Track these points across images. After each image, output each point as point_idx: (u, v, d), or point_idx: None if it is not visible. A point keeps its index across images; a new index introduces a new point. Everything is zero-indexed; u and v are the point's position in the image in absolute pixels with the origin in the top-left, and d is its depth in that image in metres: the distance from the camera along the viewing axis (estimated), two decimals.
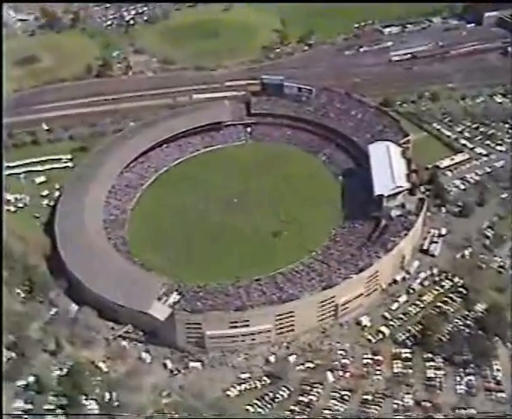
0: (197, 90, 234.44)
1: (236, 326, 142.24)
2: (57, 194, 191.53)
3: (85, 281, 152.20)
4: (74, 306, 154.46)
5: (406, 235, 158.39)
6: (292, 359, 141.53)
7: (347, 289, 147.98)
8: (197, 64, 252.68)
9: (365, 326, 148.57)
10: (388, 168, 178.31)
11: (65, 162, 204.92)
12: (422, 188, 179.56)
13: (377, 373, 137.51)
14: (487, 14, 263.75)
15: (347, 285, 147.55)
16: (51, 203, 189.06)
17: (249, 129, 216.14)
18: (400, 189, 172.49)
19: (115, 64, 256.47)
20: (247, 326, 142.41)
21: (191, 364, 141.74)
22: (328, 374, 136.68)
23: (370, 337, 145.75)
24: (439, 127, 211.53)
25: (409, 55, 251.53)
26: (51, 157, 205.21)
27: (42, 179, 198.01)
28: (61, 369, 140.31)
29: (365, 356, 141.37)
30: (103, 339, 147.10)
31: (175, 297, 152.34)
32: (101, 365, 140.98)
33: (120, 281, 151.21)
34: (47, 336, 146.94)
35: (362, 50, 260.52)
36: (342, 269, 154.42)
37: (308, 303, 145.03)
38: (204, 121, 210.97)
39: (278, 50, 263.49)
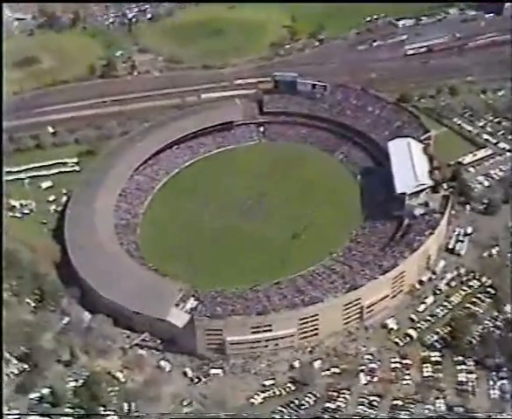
0: (205, 89, 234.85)
1: (258, 331, 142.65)
2: (64, 199, 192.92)
3: (98, 288, 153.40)
4: (87, 315, 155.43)
5: (432, 234, 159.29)
6: (317, 364, 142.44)
7: (372, 290, 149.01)
8: (205, 62, 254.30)
9: (392, 328, 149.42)
10: (410, 165, 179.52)
11: (72, 166, 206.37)
12: (445, 186, 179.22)
13: (406, 377, 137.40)
14: (507, 4, 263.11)
15: (372, 287, 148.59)
16: (59, 209, 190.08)
17: (262, 128, 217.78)
18: (423, 187, 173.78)
19: (119, 64, 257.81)
20: (270, 330, 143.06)
21: (212, 371, 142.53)
22: (357, 378, 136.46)
23: (397, 340, 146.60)
24: (459, 122, 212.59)
25: (425, 48, 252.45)
26: (56, 161, 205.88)
27: (48, 184, 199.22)
28: (76, 380, 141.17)
29: (393, 360, 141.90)
30: (119, 348, 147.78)
31: (192, 303, 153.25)
32: (118, 375, 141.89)
33: (135, 288, 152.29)
34: (61, 346, 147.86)
35: (375, 44, 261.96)
36: (367, 270, 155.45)
37: (333, 305, 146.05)
38: (215, 121, 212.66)
39: (288, 46, 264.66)
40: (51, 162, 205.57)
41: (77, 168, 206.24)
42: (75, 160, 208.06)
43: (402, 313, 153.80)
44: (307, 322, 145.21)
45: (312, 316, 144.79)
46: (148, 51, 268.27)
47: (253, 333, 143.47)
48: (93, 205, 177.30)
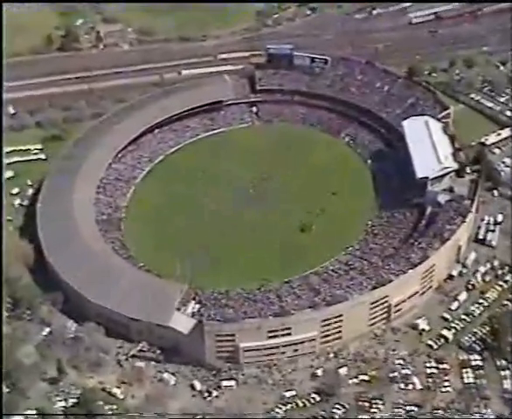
0: (186, 65, 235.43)
1: (276, 336, 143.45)
2: (30, 191, 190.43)
3: (86, 293, 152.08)
4: (72, 324, 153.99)
5: (464, 222, 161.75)
6: (343, 371, 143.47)
7: (401, 287, 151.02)
8: (182, 34, 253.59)
9: (423, 329, 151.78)
10: (430, 146, 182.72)
11: (36, 154, 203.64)
12: (468, 169, 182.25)
13: (445, 384, 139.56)
14: None
15: (401, 283, 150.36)
16: (25, 203, 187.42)
17: (255, 109, 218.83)
18: (447, 171, 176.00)
19: (82, 35, 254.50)
20: (289, 334, 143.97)
21: (224, 383, 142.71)
22: (390, 386, 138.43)
23: (430, 342, 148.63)
24: (478, 97, 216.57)
25: (432, 16, 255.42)
26: (17, 148, 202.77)
27: (9, 174, 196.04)
28: (66, 400, 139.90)
29: (428, 365, 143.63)
30: (114, 360, 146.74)
31: (193, 306, 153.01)
32: (116, 391, 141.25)
33: (128, 291, 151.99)
34: (44, 361, 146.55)
35: (375, 12, 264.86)
36: (392, 264, 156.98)
37: (359, 305, 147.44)
38: (201, 101, 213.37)
39: (276, 16, 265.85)
40: (10, 149, 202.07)
41: (42, 155, 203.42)
42: (39, 146, 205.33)
43: (433, 312, 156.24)
44: (330, 324, 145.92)
45: (336, 317, 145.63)
46: (115, 20, 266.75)
47: (270, 337, 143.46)
48: (70, 198, 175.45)
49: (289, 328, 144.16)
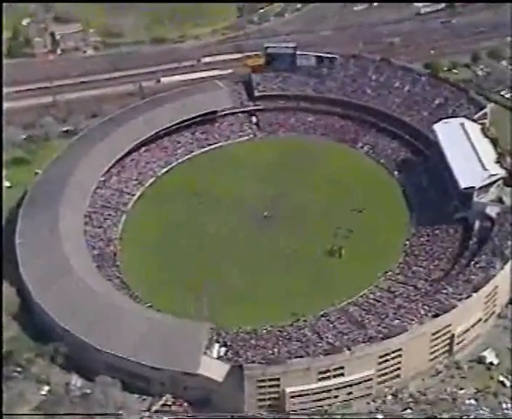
0: (165, 71, 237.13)
1: (327, 377, 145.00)
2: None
3: (94, 342, 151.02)
4: (77, 379, 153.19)
5: None
6: (407, 415, 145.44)
7: (463, 313, 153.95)
8: (155, 35, 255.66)
9: (491, 363, 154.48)
10: (471, 151, 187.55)
11: None
12: None
13: None
14: None
15: (464, 308, 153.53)
16: None
17: (254, 119, 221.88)
18: (494, 179, 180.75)
19: (33, 37, 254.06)
20: (342, 375, 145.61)
21: None
22: None
23: (502, 378, 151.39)
24: (509, 94, 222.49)
25: (443, 4, 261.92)
26: None
27: None
28: None
29: (505, 406, 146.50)
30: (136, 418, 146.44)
31: (218, 349, 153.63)
32: None
33: (145, 335, 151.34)
34: None
35: (375, 4, 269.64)
36: (450, 287, 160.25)
37: (419, 336, 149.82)
38: (192, 112, 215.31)
39: (262, 11, 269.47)
40: None
41: (6, 182, 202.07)
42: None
43: (499, 342, 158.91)
44: (387, 360, 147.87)
45: (394, 351, 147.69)
46: (70, 20, 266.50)
47: (321, 379, 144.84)
48: (57, 231, 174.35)
49: (342, 367, 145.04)
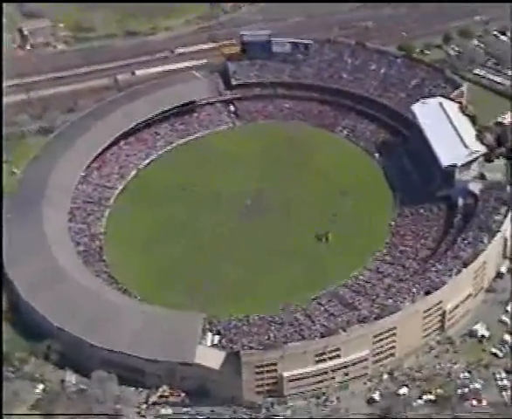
0: (139, 63, 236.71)
1: (324, 360, 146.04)
2: None
3: (88, 338, 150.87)
4: (71, 375, 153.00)
5: (510, 211, 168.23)
6: (403, 392, 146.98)
7: (454, 290, 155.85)
8: (126, 28, 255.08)
9: (483, 336, 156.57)
10: (451, 130, 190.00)
11: None
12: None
13: None
14: None
15: (455, 285, 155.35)
16: None
17: (232, 107, 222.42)
18: (475, 156, 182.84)
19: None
20: (338, 356, 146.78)
21: None
22: (462, 405, 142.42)
23: (494, 350, 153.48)
24: (482, 72, 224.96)
25: None
26: None
27: None
28: None
29: (499, 377, 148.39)
30: (134, 411, 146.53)
31: (212, 338, 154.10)
32: None
33: (138, 329, 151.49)
34: None
35: None
36: (439, 265, 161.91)
37: (412, 314, 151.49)
38: (170, 103, 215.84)
39: None
40: None
41: None
42: None
43: (488, 316, 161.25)
44: (382, 339, 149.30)
45: (389, 330, 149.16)
46: (39, 15, 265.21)
47: (318, 362, 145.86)
48: (42, 230, 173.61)
49: (338, 349, 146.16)
